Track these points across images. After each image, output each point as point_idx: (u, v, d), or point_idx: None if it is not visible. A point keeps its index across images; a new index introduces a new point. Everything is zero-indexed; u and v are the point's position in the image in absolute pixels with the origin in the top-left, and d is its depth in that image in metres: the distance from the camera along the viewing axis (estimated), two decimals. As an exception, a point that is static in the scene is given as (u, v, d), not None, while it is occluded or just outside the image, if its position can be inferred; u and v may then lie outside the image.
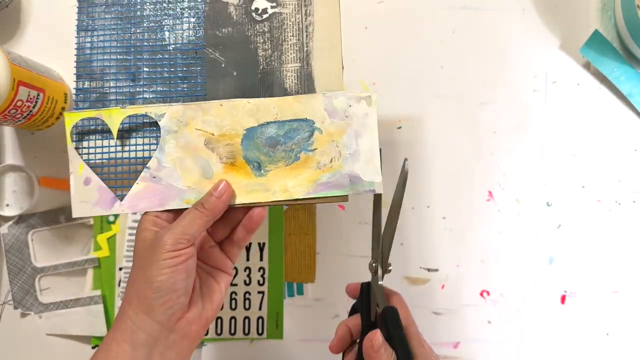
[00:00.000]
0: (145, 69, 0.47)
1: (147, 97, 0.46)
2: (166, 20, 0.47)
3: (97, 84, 0.47)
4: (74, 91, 0.48)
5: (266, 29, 0.47)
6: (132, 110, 0.45)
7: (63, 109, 0.61)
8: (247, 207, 0.44)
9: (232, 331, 0.63)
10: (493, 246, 0.64)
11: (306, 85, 0.46)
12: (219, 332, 0.63)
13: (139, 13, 0.48)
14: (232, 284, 0.63)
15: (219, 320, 0.63)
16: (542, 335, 0.64)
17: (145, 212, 0.44)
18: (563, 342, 0.64)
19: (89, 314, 0.62)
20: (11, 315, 0.63)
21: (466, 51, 0.64)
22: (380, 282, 0.46)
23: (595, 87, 0.64)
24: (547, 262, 0.64)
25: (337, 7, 0.47)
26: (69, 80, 0.63)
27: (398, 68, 0.64)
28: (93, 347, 0.63)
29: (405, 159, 0.48)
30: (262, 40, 0.47)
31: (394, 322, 0.43)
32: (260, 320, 0.63)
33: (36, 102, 0.56)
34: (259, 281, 0.63)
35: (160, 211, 0.44)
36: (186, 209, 0.43)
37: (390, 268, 0.47)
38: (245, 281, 0.63)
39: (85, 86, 0.47)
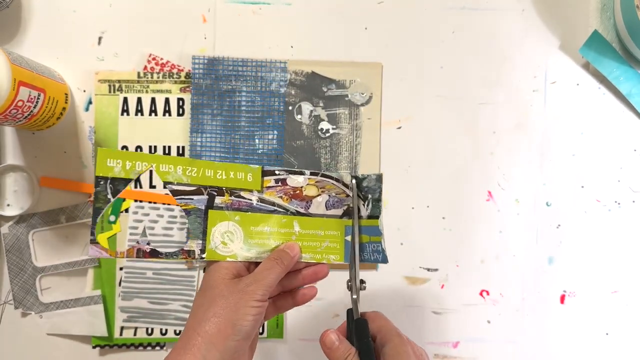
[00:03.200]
0: None
1: None
2: (257, 131, 0.63)
3: None
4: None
5: (327, 144, 0.63)
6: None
7: (64, 109, 0.61)
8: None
9: (233, 331, 0.63)
10: (493, 246, 0.64)
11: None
12: (219, 331, 0.63)
13: (237, 123, 0.63)
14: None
15: (219, 320, 0.63)
16: (541, 334, 0.64)
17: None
18: (563, 341, 0.64)
19: (89, 313, 0.62)
20: (12, 315, 0.63)
21: (466, 51, 0.64)
22: (354, 296, 0.47)
23: (594, 87, 0.64)
24: (546, 262, 0.64)
25: (377, 134, 0.63)
26: (70, 80, 0.63)
27: (398, 68, 0.64)
28: (93, 347, 0.63)
29: (352, 177, 0.50)
30: (324, 152, 0.63)
31: (359, 331, 0.45)
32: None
33: (37, 102, 0.56)
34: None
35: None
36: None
37: (364, 285, 0.48)
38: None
39: None
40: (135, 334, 0.63)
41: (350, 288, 0.47)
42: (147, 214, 0.63)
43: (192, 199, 0.47)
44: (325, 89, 0.63)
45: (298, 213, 0.49)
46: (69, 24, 0.63)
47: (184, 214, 0.51)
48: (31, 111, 0.56)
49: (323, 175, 0.49)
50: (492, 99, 0.64)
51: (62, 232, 0.63)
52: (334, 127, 0.64)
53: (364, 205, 0.50)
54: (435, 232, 0.64)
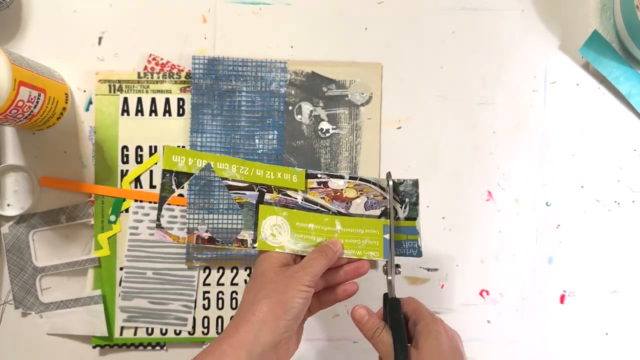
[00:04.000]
0: None
1: None
2: (257, 131, 0.63)
3: None
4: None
5: (327, 144, 0.63)
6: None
7: (64, 109, 0.61)
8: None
9: (233, 331, 0.63)
10: (492, 246, 0.64)
11: None
12: (219, 331, 0.63)
13: (237, 123, 0.63)
14: (232, 284, 0.63)
15: (220, 320, 0.63)
16: (541, 334, 0.64)
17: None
18: (562, 341, 0.64)
19: (89, 313, 0.62)
20: (12, 314, 0.63)
21: (466, 51, 0.64)
22: (389, 278, 0.51)
23: (594, 88, 0.64)
24: (546, 261, 0.64)
25: (377, 134, 0.63)
26: (70, 80, 0.63)
27: (398, 68, 0.64)
28: (93, 347, 0.63)
29: (388, 173, 0.53)
30: (324, 152, 0.63)
31: (392, 309, 0.49)
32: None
33: (37, 102, 0.56)
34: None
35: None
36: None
37: (399, 269, 0.51)
38: (245, 280, 0.63)
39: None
40: (135, 334, 0.63)
41: (386, 272, 0.51)
42: (148, 214, 0.63)
43: (245, 194, 0.51)
44: (325, 89, 0.63)
45: (339, 213, 0.53)
46: (69, 24, 0.63)
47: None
48: (31, 111, 0.56)
49: (361, 180, 0.54)
50: (492, 99, 0.64)
51: (62, 232, 0.63)
52: (334, 127, 0.64)
53: (401, 207, 0.53)
54: (435, 232, 0.64)
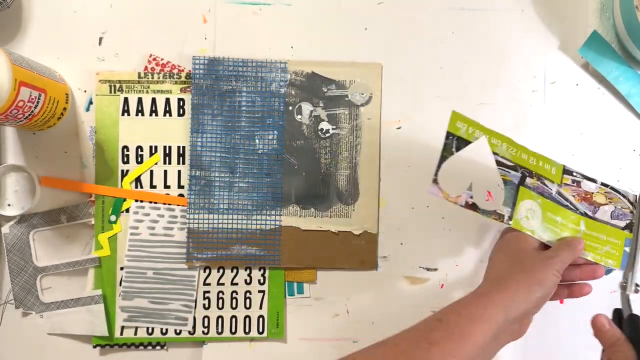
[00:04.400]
0: (241, 166, 0.63)
1: (242, 186, 0.63)
2: (257, 131, 0.63)
3: (205, 174, 0.62)
4: (187, 176, 0.62)
5: (327, 144, 0.63)
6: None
7: (64, 109, 0.62)
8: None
9: (233, 330, 0.63)
10: (492, 246, 0.64)
11: (353, 186, 0.63)
12: (219, 331, 0.63)
13: (237, 123, 0.63)
14: (232, 283, 0.63)
15: (220, 320, 0.63)
16: (541, 334, 0.64)
17: None
18: (562, 341, 0.64)
19: (89, 313, 0.62)
20: (12, 314, 0.63)
21: (465, 52, 0.64)
22: (627, 293, 0.55)
23: (594, 88, 0.64)
24: (546, 261, 0.64)
25: (377, 134, 0.64)
26: (70, 80, 0.63)
27: (398, 68, 0.64)
28: (94, 347, 0.63)
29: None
30: (324, 152, 0.63)
31: (634, 323, 0.52)
32: (260, 320, 0.63)
33: (38, 102, 0.56)
34: (259, 280, 0.63)
35: None
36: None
37: (639, 288, 0.56)
38: (246, 280, 0.63)
39: (197, 174, 0.62)
40: (135, 334, 0.63)
41: (624, 287, 0.55)
42: (148, 214, 0.63)
43: (510, 172, 0.54)
44: (325, 89, 0.63)
45: (586, 215, 0.56)
46: (70, 24, 0.63)
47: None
48: (32, 111, 0.56)
49: (612, 188, 0.57)
50: (492, 99, 0.64)
51: (62, 232, 0.63)
52: (334, 127, 0.64)
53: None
54: (434, 232, 0.64)
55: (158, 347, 0.63)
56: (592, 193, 0.56)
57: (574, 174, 0.56)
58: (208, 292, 0.63)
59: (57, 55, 0.63)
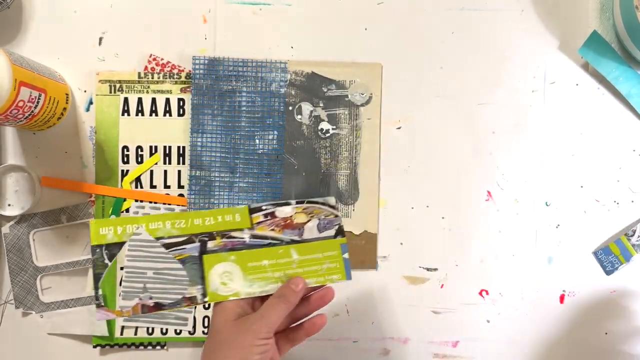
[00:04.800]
0: (241, 166, 0.63)
1: (242, 186, 0.63)
2: (257, 131, 0.63)
3: (205, 173, 0.62)
4: (187, 177, 0.62)
5: (327, 144, 0.63)
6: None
7: (64, 109, 0.62)
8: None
9: (233, 330, 0.63)
10: (492, 246, 0.64)
11: (353, 186, 0.63)
12: (219, 331, 0.63)
13: (237, 123, 0.63)
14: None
15: (219, 320, 0.63)
16: (541, 334, 0.64)
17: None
18: (562, 341, 0.64)
19: (90, 313, 0.62)
20: (12, 314, 0.63)
21: (465, 52, 0.64)
22: None
23: (593, 88, 0.64)
24: (546, 261, 0.64)
25: (377, 134, 0.63)
26: (71, 80, 0.63)
27: (398, 68, 0.64)
28: (94, 347, 0.63)
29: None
30: (324, 152, 0.63)
31: None
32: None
33: (38, 102, 0.56)
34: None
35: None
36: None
37: None
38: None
39: (197, 174, 0.62)
40: (135, 334, 0.63)
41: None
42: (148, 214, 0.63)
43: (185, 248, 0.49)
44: (325, 89, 0.63)
45: (293, 241, 0.51)
46: (70, 24, 0.63)
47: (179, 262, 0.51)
48: (32, 111, 0.56)
49: (308, 202, 0.52)
50: (492, 99, 0.64)
51: (62, 232, 0.63)
52: (334, 127, 0.64)
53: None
54: (434, 232, 0.64)
55: (158, 347, 0.63)
56: (291, 216, 0.51)
57: (263, 207, 0.51)
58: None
59: (57, 55, 0.63)
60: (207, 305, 0.47)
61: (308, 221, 0.51)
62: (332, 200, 0.53)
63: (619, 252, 0.62)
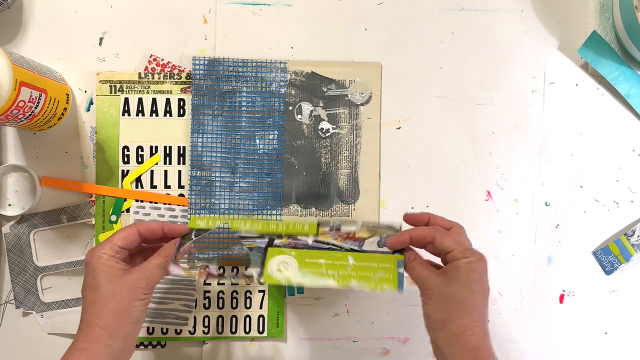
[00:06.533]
0: (241, 166, 0.63)
1: (242, 186, 0.63)
2: (257, 131, 0.63)
3: (206, 174, 0.63)
4: (188, 177, 0.63)
5: (328, 144, 0.64)
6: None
7: (65, 109, 0.62)
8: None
9: (233, 330, 0.63)
10: (492, 246, 0.64)
11: (353, 186, 0.64)
12: (220, 330, 0.63)
13: (237, 123, 0.63)
14: (233, 283, 0.64)
15: (220, 319, 0.63)
16: (540, 334, 0.64)
17: (99, 249, 0.50)
18: (562, 341, 0.64)
19: (90, 313, 0.62)
20: (13, 314, 0.63)
21: (465, 52, 0.64)
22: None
23: (593, 88, 0.64)
24: (545, 261, 0.64)
25: (377, 133, 0.64)
26: (71, 81, 0.63)
27: (398, 68, 0.64)
28: (94, 346, 0.63)
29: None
30: (324, 151, 0.64)
31: None
32: (261, 319, 0.63)
33: (38, 102, 0.56)
34: (259, 280, 0.63)
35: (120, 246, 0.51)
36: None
37: None
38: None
39: (197, 174, 0.63)
40: (136, 333, 0.63)
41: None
42: (148, 214, 0.63)
43: (256, 240, 0.55)
44: (325, 89, 0.64)
45: (352, 250, 0.55)
46: (70, 24, 0.63)
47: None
48: (32, 111, 0.56)
49: (374, 226, 0.56)
50: (491, 100, 0.64)
51: (63, 232, 0.63)
52: (334, 126, 0.64)
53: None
54: (434, 232, 0.64)
55: (158, 347, 0.63)
56: (355, 231, 0.55)
57: (331, 222, 0.56)
58: (208, 292, 0.63)
59: (57, 55, 0.63)
60: (261, 281, 0.53)
61: (370, 237, 0.55)
62: (397, 225, 0.55)
63: (618, 252, 0.62)
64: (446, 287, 0.48)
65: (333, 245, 0.55)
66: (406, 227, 0.55)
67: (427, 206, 0.64)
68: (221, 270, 0.55)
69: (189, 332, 0.63)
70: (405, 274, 0.52)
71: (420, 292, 0.51)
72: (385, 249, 0.54)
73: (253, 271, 0.53)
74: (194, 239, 0.54)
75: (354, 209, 0.63)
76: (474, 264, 0.49)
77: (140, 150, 0.63)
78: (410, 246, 0.53)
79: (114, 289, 0.49)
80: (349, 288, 0.52)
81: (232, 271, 0.55)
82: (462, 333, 0.47)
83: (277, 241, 0.55)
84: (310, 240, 0.55)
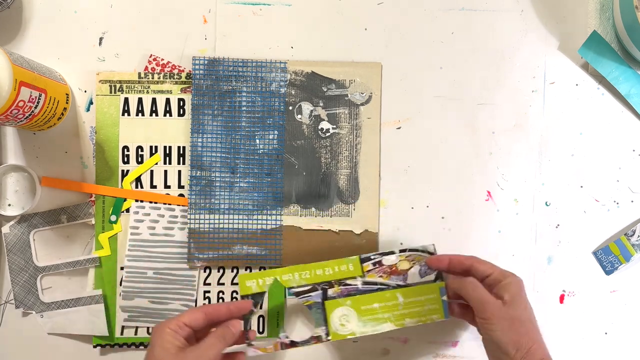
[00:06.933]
0: (241, 166, 0.63)
1: (242, 186, 0.63)
2: (257, 131, 0.63)
3: (206, 174, 0.63)
4: (188, 177, 0.62)
5: (328, 144, 0.63)
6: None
7: (65, 109, 0.62)
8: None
9: (233, 330, 0.63)
10: (492, 246, 0.64)
11: (353, 186, 0.64)
12: (219, 331, 0.63)
13: (237, 123, 0.63)
14: (233, 283, 0.63)
15: (220, 320, 0.63)
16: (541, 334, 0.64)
17: (165, 325, 0.51)
18: (562, 341, 0.64)
19: (90, 313, 0.62)
20: (13, 314, 0.63)
21: (465, 52, 0.64)
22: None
23: (593, 88, 0.64)
24: (545, 261, 0.64)
25: (377, 133, 0.64)
26: (71, 81, 0.63)
27: (398, 68, 0.64)
28: (94, 347, 0.63)
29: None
30: (324, 151, 0.63)
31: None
32: (260, 319, 0.63)
33: (38, 102, 0.56)
34: (328, 339, 0.63)
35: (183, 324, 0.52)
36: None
37: None
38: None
39: (197, 174, 0.63)
40: (136, 334, 0.63)
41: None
42: (148, 214, 0.63)
43: (311, 295, 0.58)
44: (325, 89, 0.64)
45: (399, 286, 0.58)
46: (70, 24, 0.63)
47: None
48: (32, 111, 0.56)
49: (410, 250, 0.59)
50: (491, 100, 0.64)
51: (63, 232, 0.63)
52: (334, 126, 0.64)
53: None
54: (435, 232, 0.64)
55: (158, 347, 0.63)
56: (396, 264, 0.58)
57: (371, 257, 0.58)
58: (208, 292, 0.63)
59: (57, 55, 0.63)
60: (329, 339, 0.57)
61: (411, 267, 0.58)
62: (431, 247, 0.59)
63: (618, 252, 0.62)
64: (506, 309, 0.51)
65: (381, 284, 0.58)
66: (439, 247, 0.59)
67: (427, 206, 0.64)
68: (289, 340, 0.57)
69: (189, 332, 0.63)
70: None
71: (478, 317, 0.53)
72: (426, 278, 0.58)
73: (319, 331, 0.57)
74: (254, 310, 0.57)
75: (354, 209, 0.63)
76: (519, 282, 0.53)
77: (140, 150, 0.63)
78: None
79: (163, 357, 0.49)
80: (405, 327, 0.57)
81: (306, 338, 0.58)
82: (531, 348, 0.50)
83: (330, 292, 0.58)
84: (359, 284, 0.58)
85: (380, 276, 0.58)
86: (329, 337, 0.57)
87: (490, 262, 0.55)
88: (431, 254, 0.58)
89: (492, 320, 0.51)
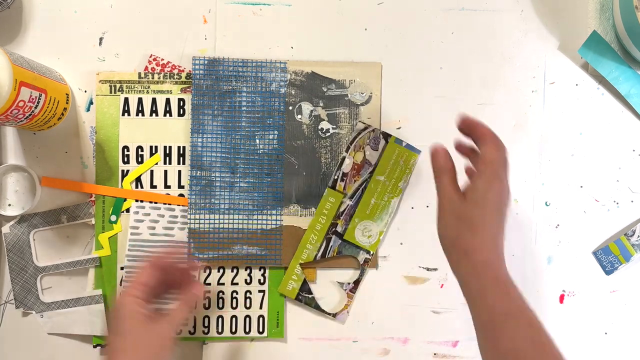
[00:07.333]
0: (241, 166, 0.63)
1: (242, 186, 0.63)
2: (257, 131, 0.63)
3: (206, 174, 0.63)
4: (188, 177, 0.63)
5: (328, 144, 0.64)
6: None
7: (65, 109, 0.62)
8: None
9: (233, 330, 0.63)
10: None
11: None
12: (219, 330, 0.63)
13: (237, 123, 0.63)
14: (233, 283, 0.64)
15: (220, 319, 0.63)
16: (540, 334, 0.64)
17: (126, 293, 0.53)
18: (562, 341, 0.64)
19: (90, 313, 0.62)
20: (13, 314, 0.63)
21: (465, 52, 0.64)
22: None
23: (593, 88, 0.64)
24: (545, 261, 0.64)
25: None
26: (71, 81, 0.63)
27: (398, 68, 0.64)
28: (94, 347, 0.63)
29: None
30: (324, 152, 0.64)
31: None
32: (261, 319, 0.63)
33: (38, 102, 0.56)
34: (259, 280, 0.63)
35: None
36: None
37: None
38: (246, 280, 0.63)
39: (197, 174, 0.63)
40: (136, 334, 0.63)
41: None
42: (148, 214, 0.63)
43: (331, 245, 0.63)
44: (325, 89, 0.64)
45: (372, 172, 0.63)
46: (70, 24, 0.63)
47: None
48: (32, 111, 0.56)
49: (351, 143, 0.62)
50: (491, 100, 0.64)
51: (63, 232, 0.63)
52: (334, 126, 0.64)
53: None
54: (435, 232, 0.64)
55: (158, 347, 0.63)
56: (354, 162, 0.63)
57: (334, 177, 0.63)
58: (208, 292, 0.63)
59: (57, 55, 0.63)
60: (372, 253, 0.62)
61: (364, 152, 0.62)
62: (360, 125, 0.62)
63: (618, 252, 0.62)
64: (461, 205, 0.49)
65: (361, 184, 0.62)
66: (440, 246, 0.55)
67: (427, 206, 0.64)
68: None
69: (189, 332, 0.63)
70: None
71: (437, 207, 0.51)
72: (381, 145, 0.63)
73: (361, 258, 0.62)
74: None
75: (354, 209, 0.63)
76: (490, 181, 0.48)
77: (140, 150, 0.63)
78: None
79: (142, 338, 0.51)
80: (402, 189, 0.62)
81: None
82: (470, 250, 0.47)
83: (338, 228, 0.62)
84: (348, 201, 0.62)
85: (355, 180, 0.62)
86: (372, 253, 0.62)
87: (496, 143, 0.51)
88: (364, 129, 0.62)
89: (441, 212, 0.50)
